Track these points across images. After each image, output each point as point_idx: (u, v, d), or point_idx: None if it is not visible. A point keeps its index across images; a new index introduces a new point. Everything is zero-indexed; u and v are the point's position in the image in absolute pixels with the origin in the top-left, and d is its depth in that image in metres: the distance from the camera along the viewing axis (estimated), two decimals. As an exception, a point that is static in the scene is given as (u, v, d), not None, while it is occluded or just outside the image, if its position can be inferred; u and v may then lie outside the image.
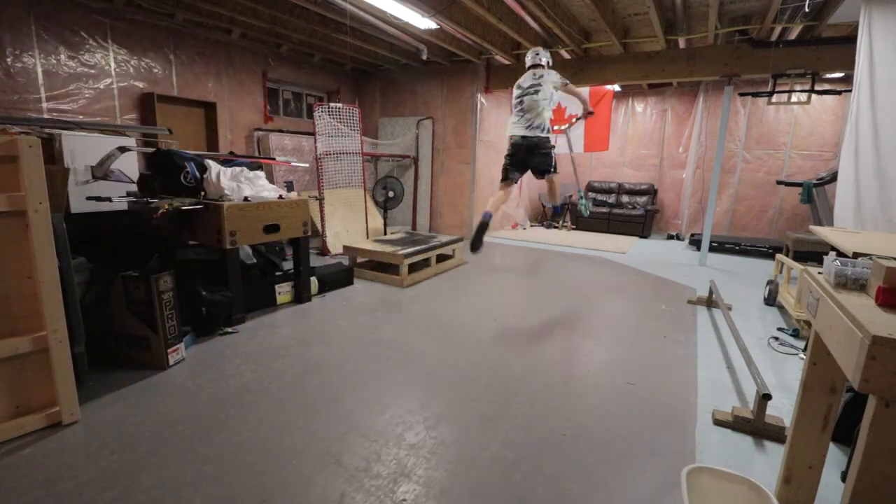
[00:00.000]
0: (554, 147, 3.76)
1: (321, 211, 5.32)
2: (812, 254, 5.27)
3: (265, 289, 3.45)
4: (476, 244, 3.62)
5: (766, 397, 1.98)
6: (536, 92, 3.61)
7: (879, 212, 3.06)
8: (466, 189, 6.96)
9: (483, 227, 3.61)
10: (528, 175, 3.91)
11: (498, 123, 7.28)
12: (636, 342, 3.03)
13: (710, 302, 3.83)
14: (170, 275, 2.46)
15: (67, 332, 1.90)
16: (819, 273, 1.37)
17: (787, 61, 4.87)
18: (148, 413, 2.03)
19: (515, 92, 3.75)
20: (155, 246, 3.13)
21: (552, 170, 3.75)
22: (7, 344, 1.77)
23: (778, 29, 4.79)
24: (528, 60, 3.82)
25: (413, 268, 4.37)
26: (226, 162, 3.39)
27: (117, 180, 3.62)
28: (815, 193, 5.33)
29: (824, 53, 4.71)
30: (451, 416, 2.09)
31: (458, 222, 7.09)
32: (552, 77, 3.70)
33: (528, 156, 3.69)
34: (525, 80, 3.72)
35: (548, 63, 3.80)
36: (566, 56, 6.05)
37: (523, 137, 3.64)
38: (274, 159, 4.71)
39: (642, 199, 7.94)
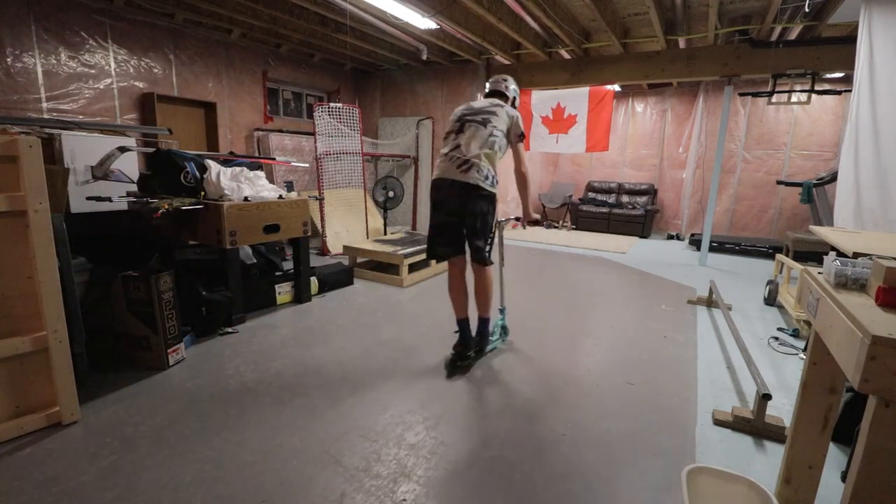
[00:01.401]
0: (491, 216, 2.47)
1: (321, 211, 5.32)
2: (812, 254, 5.27)
3: (265, 289, 3.45)
4: (455, 361, 2.54)
5: (766, 397, 1.98)
6: (485, 123, 2.43)
7: (879, 212, 3.06)
8: (466, 189, 6.94)
9: (463, 343, 2.55)
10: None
11: (498, 123, 7.27)
12: (636, 342, 3.03)
13: (710, 302, 3.83)
14: (170, 275, 2.46)
15: (67, 332, 1.90)
16: (819, 273, 1.36)
17: (787, 61, 4.87)
18: (148, 413, 2.03)
19: (454, 115, 2.56)
20: (155, 246, 3.13)
21: (486, 256, 2.48)
22: (7, 344, 1.77)
23: (778, 29, 4.79)
24: (489, 86, 2.79)
25: (413, 268, 4.37)
26: (226, 162, 3.39)
27: (117, 180, 3.62)
28: (815, 193, 5.33)
29: (824, 53, 4.71)
30: (451, 416, 2.09)
31: (458, 222, 7.08)
32: (511, 114, 2.54)
33: (461, 212, 2.41)
34: (476, 103, 2.59)
35: (514, 99, 2.76)
36: (566, 56, 6.05)
37: (454, 182, 2.37)
38: (274, 159, 4.71)
39: (642, 199, 7.94)
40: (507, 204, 8.04)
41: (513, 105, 2.72)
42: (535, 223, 2.75)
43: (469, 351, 2.53)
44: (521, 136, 2.56)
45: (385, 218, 6.02)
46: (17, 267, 1.79)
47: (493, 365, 2.63)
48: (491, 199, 2.42)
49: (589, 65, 5.96)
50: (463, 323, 2.53)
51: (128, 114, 4.63)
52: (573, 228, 8.07)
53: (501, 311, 2.92)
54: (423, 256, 4.45)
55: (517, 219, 2.79)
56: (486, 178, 2.38)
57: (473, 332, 2.59)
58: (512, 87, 2.76)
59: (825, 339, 1.21)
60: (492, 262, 2.53)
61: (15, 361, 1.81)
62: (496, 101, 2.59)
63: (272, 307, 3.47)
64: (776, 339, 3.14)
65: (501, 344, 2.89)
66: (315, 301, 3.69)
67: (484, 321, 2.58)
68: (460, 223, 2.45)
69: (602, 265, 5.44)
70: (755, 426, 2.01)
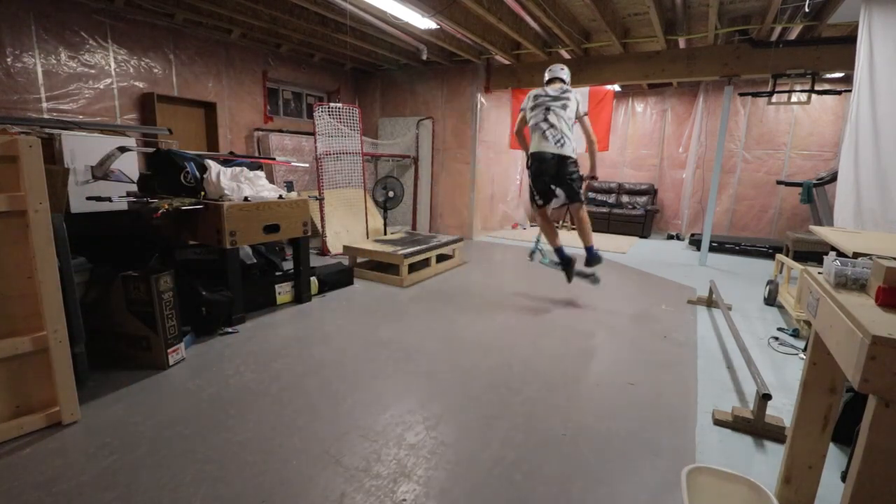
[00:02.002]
0: (577, 172, 3.43)
1: (321, 211, 5.32)
2: (812, 254, 5.27)
3: (265, 289, 3.45)
4: (569, 276, 3.71)
5: (766, 397, 1.98)
6: (564, 107, 3.31)
7: (879, 212, 3.06)
8: (466, 189, 6.95)
9: (567, 264, 3.66)
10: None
11: (498, 123, 7.28)
12: (636, 342, 3.03)
13: (710, 302, 3.83)
14: (170, 275, 2.46)
15: (67, 332, 1.90)
16: (819, 273, 1.37)
17: (787, 61, 4.87)
18: (148, 413, 2.03)
19: (534, 102, 3.41)
20: (155, 246, 3.13)
21: (580, 198, 3.47)
22: (7, 344, 1.77)
23: (778, 29, 4.79)
24: (549, 74, 3.54)
25: (413, 268, 4.37)
26: (226, 162, 3.39)
27: (117, 180, 3.62)
28: (815, 193, 5.33)
29: (824, 53, 4.71)
30: (451, 416, 2.09)
31: (458, 222, 7.09)
32: (578, 101, 3.40)
33: (558, 175, 3.39)
34: (550, 90, 3.41)
35: (569, 81, 3.55)
36: (566, 56, 6.05)
37: (553, 155, 3.31)
38: (274, 159, 4.71)
39: (642, 199, 7.94)
40: (507, 204, 8.06)
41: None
42: (593, 178, 3.68)
43: (571, 267, 3.61)
44: (586, 113, 3.50)
45: (385, 218, 6.02)
46: (17, 267, 1.79)
47: (491, 364, 2.63)
48: (576, 161, 3.39)
49: (589, 65, 5.96)
50: (559, 250, 3.61)
51: (128, 114, 4.63)
52: (573, 228, 8.06)
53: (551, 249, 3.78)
54: (423, 256, 4.46)
55: (592, 177, 3.71)
56: (573, 149, 3.34)
57: (574, 261, 3.63)
58: (567, 71, 3.55)
59: (825, 339, 1.21)
60: (584, 201, 3.52)
61: (15, 361, 1.81)
62: (566, 87, 3.41)
63: (272, 307, 3.47)
64: (776, 339, 3.14)
65: (550, 264, 3.82)
66: (315, 301, 3.69)
67: (589, 248, 3.46)
68: (552, 184, 3.42)
69: (602, 265, 5.43)
70: (755, 426, 2.01)
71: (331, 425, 1.98)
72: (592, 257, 3.55)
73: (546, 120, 3.30)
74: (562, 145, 3.28)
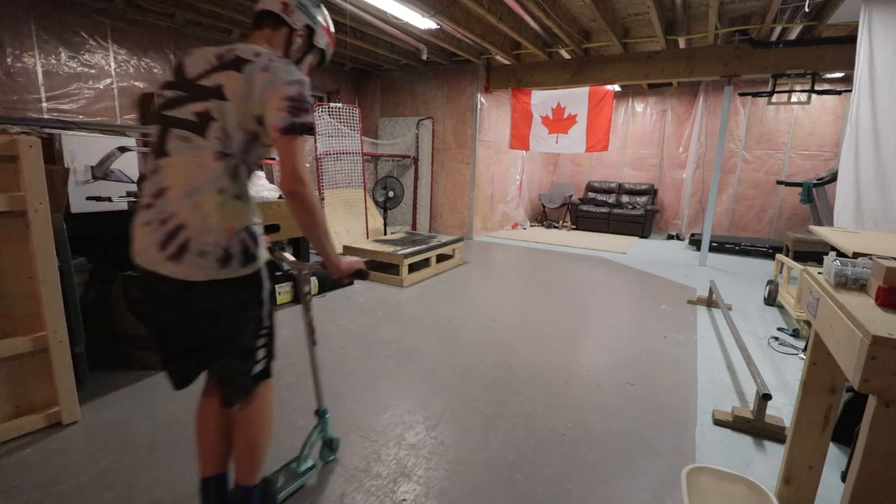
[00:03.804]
0: (253, 308, 1.24)
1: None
2: (812, 254, 5.27)
3: (265, 289, 3.44)
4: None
5: (766, 397, 1.98)
6: (203, 123, 1.12)
7: (879, 212, 3.06)
8: (466, 189, 6.95)
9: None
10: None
11: (498, 123, 7.28)
12: (636, 342, 3.03)
13: (710, 302, 3.83)
14: (170, 275, 2.45)
15: (67, 332, 1.90)
16: (819, 273, 1.37)
17: (787, 61, 4.87)
18: (148, 413, 2.03)
19: (159, 94, 1.21)
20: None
21: (248, 383, 1.32)
22: (7, 344, 1.77)
23: (778, 29, 4.79)
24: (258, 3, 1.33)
25: (413, 268, 4.37)
26: (226, 162, 3.38)
27: (117, 180, 3.62)
28: (815, 193, 5.33)
29: (824, 53, 4.71)
30: (451, 416, 2.08)
31: (458, 222, 7.09)
32: (275, 75, 1.13)
33: (188, 326, 1.22)
34: (193, 60, 1.17)
35: (307, 31, 1.33)
36: (566, 56, 6.05)
37: (154, 276, 1.13)
38: (274, 159, 4.71)
39: (642, 199, 7.94)
40: (507, 204, 8.04)
41: (306, 48, 1.36)
42: (357, 275, 1.49)
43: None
44: (293, 128, 1.13)
45: (385, 218, 6.02)
46: (18, 267, 1.79)
47: (491, 365, 2.63)
48: (248, 283, 1.20)
49: (589, 65, 5.96)
50: (212, 483, 1.37)
51: (128, 114, 4.63)
52: (573, 228, 8.07)
53: (321, 414, 1.75)
54: (423, 256, 4.46)
55: (322, 265, 1.47)
56: (228, 258, 1.13)
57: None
58: (301, 2, 1.30)
59: (825, 339, 1.21)
60: (267, 377, 1.38)
61: (15, 361, 1.81)
62: (237, 47, 1.17)
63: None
64: (776, 339, 3.14)
65: (311, 475, 1.67)
66: (315, 301, 3.69)
67: (248, 494, 1.34)
68: (193, 330, 1.23)
69: (602, 265, 5.44)
70: (755, 426, 2.01)
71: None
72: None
73: (153, 165, 1.19)
74: (178, 254, 1.11)
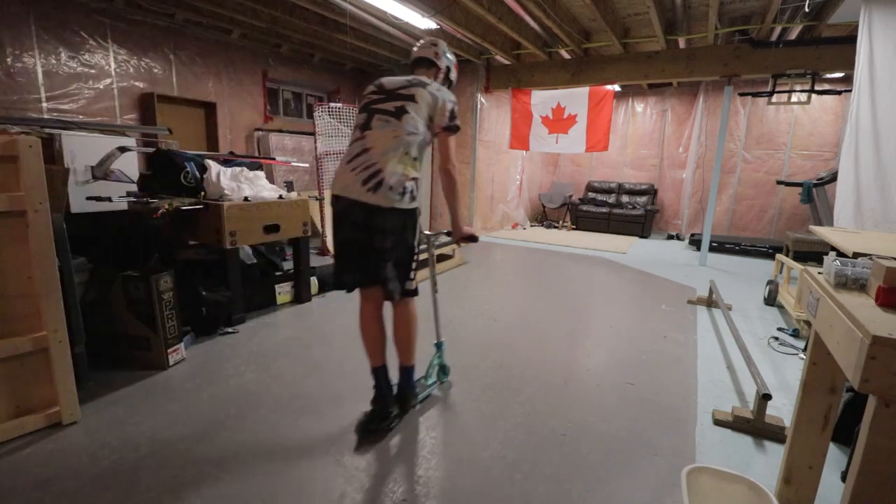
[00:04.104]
0: (412, 234, 1.87)
1: (321, 211, 5.32)
2: (812, 254, 5.27)
3: (265, 289, 3.45)
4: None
5: (766, 397, 1.98)
6: (399, 115, 1.81)
7: (879, 212, 3.06)
8: (466, 189, 6.95)
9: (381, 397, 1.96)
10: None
11: (498, 123, 7.28)
12: (636, 342, 3.03)
13: (710, 302, 3.83)
14: (170, 275, 2.46)
15: (67, 332, 1.90)
16: (819, 273, 1.36)
17: (787, 61, 4.87)
18: (148, 413, 2.03)
19: (364, 99, 1.94)
20: (155, 246, 3.13)
21: (404, 287, 1.90)
22: (7, 344, 1.77)
23: (778, 29, 4.79)
24: (416, 52, 2.07)
25: (413, 268, 4.36)
26: (226, 162, 3.39)
27: (117, 180, 3.62)
28: (815, 193, 5.33)
29: (824, 53, 4.71)
30: (450, 416, 2.08)
31: (458, 222, 7.08)
32: (437, 98, 1.86)
33: (370, 229, 1.79)
34: (388, 81, 1.92)
35: (447, 71, 2.08)
36: (566, 56, 6.05)
37: (355, 203, 1.76)
38: (274, 159, 4.71)
39: (642, 199, 7.95)
40: (507, 204, 8.05)
41: (447, 79, 2.08)
42: (470, 239, 2.10)
43: (389, 408, 1.92)
44: (451, 128, 1.87)
45: (385, 218, 6.01)
46: (17, 267, 1.79)
47: (491, 365, 2.63)
48: (409, 214, 1.82)
49: (589, 65, 5.96)
50: (379, 371, 1.93)
51: (128, 114, 4.63)
52: (573, 228, 8.07)
53: (438, 346, 2.29)
54: (423, 256, 4.44)
55: (447, 233, 2.19)
56: (401, 192, 1.76)
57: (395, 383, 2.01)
58: (444, 52, 2.05)
59: (825, 339, 1.21)
60: (415, 294, 1.95)
61: (15, 361, 1.81)
62: (418, 77, 1.90)
63: (272, 307, 3.47)
64: (776, 339, 3.14)
65: (436, 390, 2.29)
66: (315, 301, 3.69)
67: (406, 371, 1.99)
68: (369, 244, 1.79)
69: (602, 265, 5.44)
70: (755, 426, 2.01)
71: (331, 425, 1.98)
72: (406, 388, 2.06)
73: (360, 136, 1.86)
74: (374, 187, 1.74)
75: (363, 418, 1.93)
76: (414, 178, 1.83)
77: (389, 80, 1.90)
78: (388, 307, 1.96)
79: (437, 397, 2.26)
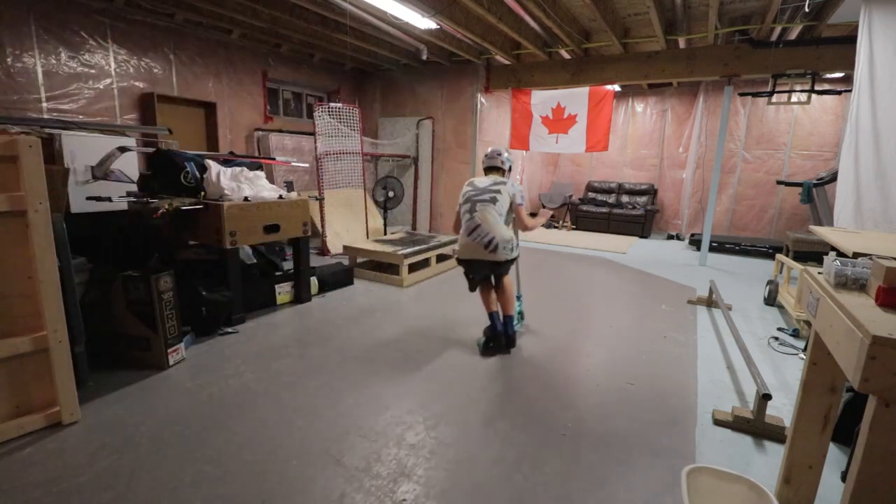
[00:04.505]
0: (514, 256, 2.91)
1: (321, 211, 5.32)
2: (812, 254, 5.27)
3: (265, 289, 3.45)
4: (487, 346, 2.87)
5: (766, 397, 1.98)
6: (493, 201, 2.76)
7: (879, 212, 3.06)
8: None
9: (494, 332, 2.84)
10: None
11: (498, 123, 7.28)
12: (636, 342, 3.03)
13: (710, 302, 3.83)
14: (170, 275, 2.46)
15: (67, 332, 1.90)
16: (819, 273, 1.37)
17: (787, 61, 4.87)
18: (148, 413, 2.03)
19: (463, 195, 2.88)
20: (155, 246, 3.13)
21: (507, 274, 2.96)
22: (7, 344, 1.77)
23: (778, 29, 4.78)
24: (485, 163, 3.03)
25: (413, 268, 4.37)
26: (226, 162, 3.39)
27: (117, 180, 3.62)
28: (815, 193, 5.33)
29: (824, 53, 4.71)
30: (451, 416, 2.09)
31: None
32: (513, 194, 2.85)
33: (492, 271, 2.90)
34: (479, 181, 2.91)
35: (510, 168, 3.07)
36: (566, 56, 6.05)
37: (482, 262, 2.80)
38: (274, 159, 4.71)
39: (642, 199, 7.94)
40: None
41: (509, 171, 3.09)
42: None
43: (498, 336, 2.86)
44: (521, 205, 2.93)
45: (385, 218, 6.02)
46: (17, 267, 1.79)
47: (491, 365, 2.63)
48: (515, 259, 2.95)
49: (589, 65, 5.96)
50: (494, 315, 2.91)
51: (128, 114, 4.63)
52: (573, 228, 8.07)
53: (518, 297, 3.22)
54: (423, 256, 4.46)
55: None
56: (510, 247, 2.81)
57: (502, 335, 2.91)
58: (506, 157, 3.06)
59: (825, 339, 1.21)
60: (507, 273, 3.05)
61: (15, 361, 1.81)
62: (497, 178, 2.94)
63: (272, 307, 3.47)
64: (776, 339, 3.14)
65: (520, 328, 3.22)
66: (315, 301, 3.69)
67: (509, 318, 2.93)
68: (490, 276, 2.99)
69: (602, 265, 5.44)
70: (755, 426, 2.01)
71: (331, 425, 1.98)
72: (510, 329, 2.89)
73: (471, 219, 2.78)
74: (494, 250, 2.73)
75: (482, 341, 2.89)
76: (514, 237, 2.86)
77: (481, 181, 2.92)
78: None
79: (435, 396, 2.26)
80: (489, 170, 3.02)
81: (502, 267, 2.85)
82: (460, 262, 2.94)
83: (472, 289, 3.03)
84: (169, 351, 2.45)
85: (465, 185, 2.95)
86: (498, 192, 2.82)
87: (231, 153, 5.01)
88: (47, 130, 3.67)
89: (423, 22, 4.49)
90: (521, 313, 3.27)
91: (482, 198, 2.80)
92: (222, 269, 3.06)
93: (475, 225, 2.76)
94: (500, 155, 3.03)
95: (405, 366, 2.59)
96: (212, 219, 2.96)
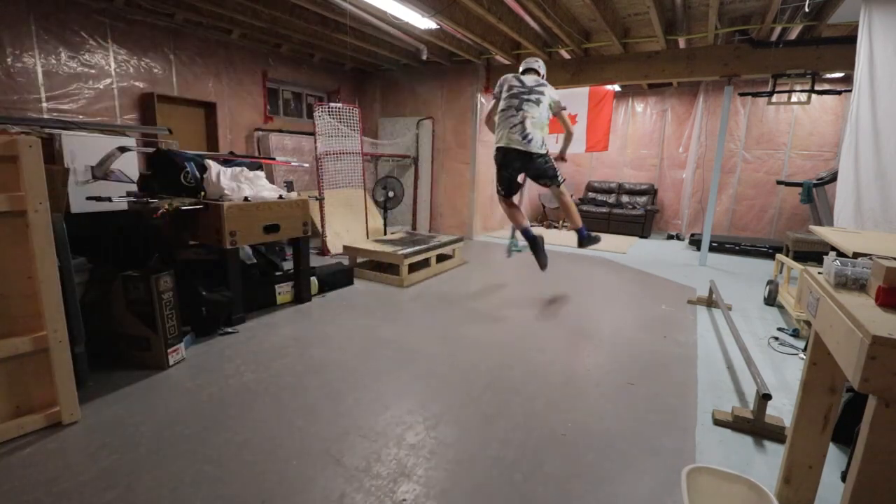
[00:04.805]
0: (548, 161, 3.40)
1: (321, 211, 5.32)
2: (812, 254, 5.27)
3: (265, 289, 3.45)
4: (540, 260, 3.52)
5: (766, 397, 1.98)
6: (538, 102, 3.23)
7: (879, 212, 3.06)
8: (466, 189, 6.95)
9: (534, 242, 3.48)
10: None
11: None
12: (636, 342, 3.03)
13: (710, 302, 3.83)
14: (170, 275, 2.46)
15: (67, 332, 1.90)
16: (819, 273, 1.36)
17: (787, 61, 4.87)
18: (148, 413, 2.03)
19: (508, 91, 3.30)
20: (155, 246, 3.13)
21: (557, 178, 3.43)
22: (7, 344, 1.77)
23: (778, 29, 4.78)
24: (525, 65, 3.52)
25: (413, 268, 4.37)
26: (226, 162, 3.39)
27: (117, 180, 3.62)
28: (815, 193, 5.33)
29: (824, 53, 4.71)
30: (451, 416, 2.09)
31: (458, 222, 7.09)
32: (553, 93, 3.34)
33: (524, 169, 3.40)
34: (527, 79, 3.33)
35: (544, 74, 3.54)
36: (566, 56, 6.05)
37: (519, 151, 3.25)
38: (274, 159, 4.71)
39: (642, 199, 7.94)
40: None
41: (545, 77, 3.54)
42: (562, 160, 3.82)
43: (538, 245, 3.46)
44: (564, 108, 3.44)
45: (385, 218, 6.02)
46: (17, 267, 1.79)
47: (491, 364, 2.63)
48: (544, 155, 3.34)
49: (589, 65, 5.96)
50: (526, 229, 3.42)
51: (128, 114, 4.63)
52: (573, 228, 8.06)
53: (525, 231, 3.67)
54: (423, 256, 4.46)
55: (560, 159, 3.80)
56: (541, 145, 3.29)
57: (540, 239, 3.50)
58: (542, 67, 3.56)
59: (825, 339, 1.21)
60: (563, 180, 3.48)
61: (15, 361, 1.81)
62: (541, 80, 3.36)
63: (272, 307, 3.47)
64: (776, 339, 3.14)
65: (516, 252, 4.12)
66: (315, 301, 3.69)
67: (580, 230, 3.46)
68: (515, 176, 3.42)
69: (602, 265, 5.44)
70: (755, 426, 2.01)
71: (331, 425, 1.98)
72: (584, 238, 3.59)
73: (516, 114, 3.23)
74: (529, 141, 3.22)
75: (514, 245, 3.90)
76: (544, 140, 3.30)
77: (527, 79, 3.31)
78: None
79: (435, 396, 2.26)
80: (527, 72, 3.43)
81: (534, 162, 3.24)
82: (498, 149, 3.34)
83: (500, 189, 3.52)
84: (169, 351, 2.45)
85: (510, 78, 3.29)
86: (542, 94, 3.26)
87: (231, 153, 5.01)
88: (47, 130, 3.67)
89: (423, 22, 4.49)
90: (514, 241, 3.94)
91: (530, 97, 3.20)
92: (222, 269, 3.06)
93: (519, 121, 3.20)
94: (537, 61, 3.53)
95: (405, 365, 2.59)
96: (212, 219, 2.96)
